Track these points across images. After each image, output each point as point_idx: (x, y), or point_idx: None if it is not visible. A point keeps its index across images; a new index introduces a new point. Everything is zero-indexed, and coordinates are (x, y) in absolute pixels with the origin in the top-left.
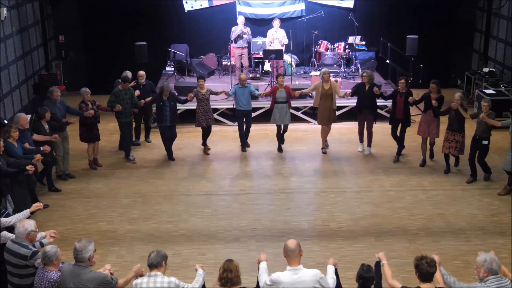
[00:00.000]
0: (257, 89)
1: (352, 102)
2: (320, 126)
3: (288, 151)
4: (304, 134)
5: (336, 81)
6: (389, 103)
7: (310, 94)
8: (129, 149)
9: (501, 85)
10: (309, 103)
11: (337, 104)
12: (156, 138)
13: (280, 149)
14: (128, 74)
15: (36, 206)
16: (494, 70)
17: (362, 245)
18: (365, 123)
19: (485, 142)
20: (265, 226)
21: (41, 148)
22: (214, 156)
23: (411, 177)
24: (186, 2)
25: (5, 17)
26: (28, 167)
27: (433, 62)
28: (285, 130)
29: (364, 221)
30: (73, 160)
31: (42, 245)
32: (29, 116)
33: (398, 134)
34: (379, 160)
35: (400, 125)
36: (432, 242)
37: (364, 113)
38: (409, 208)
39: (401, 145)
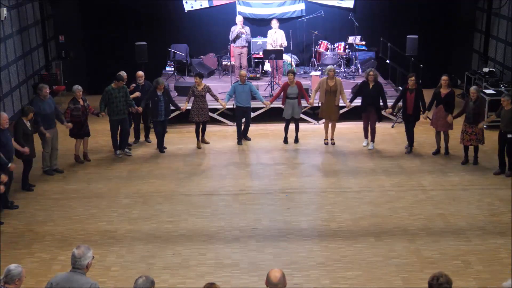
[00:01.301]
0: (257, 89)
1: (357, 102)
2: (319, 122)
3: (288, 151)
4: (304, 134)
5: None
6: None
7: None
8: (116, 146)
9: (501, 85)
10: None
11: (340, 104)
12: (154, 137)
13: (285, 141)
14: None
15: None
16: (494, 70)
17: (362, 245)
18: (369, 120)
19: (510, 136)
20: (265, 226)
21: (9, 165)
22: (214, 156)
23: (411, 177)
24: (186, 2)
25: (5, 17)
26: (2, 177)
27: (433, 62)
28: (296, 125)
29: (364, 221)
30: (72, 157)
31: None
32: None
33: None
34: (379, 160)
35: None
36: (432, 242)
37: (368, 110)
38: (409, 208)
39: (411, 139)
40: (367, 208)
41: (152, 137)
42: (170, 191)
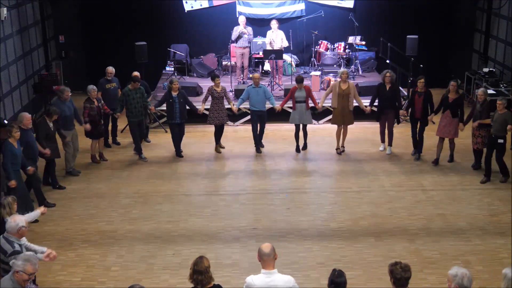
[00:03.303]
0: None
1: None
2: (319, 122)
3: (288, 151)
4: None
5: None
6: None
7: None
8: (139, 148)
9: (501, 85)
10: (309, 103)
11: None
12: (155, 138)
13: (298, 150)
14: (111, 69)
15: (43, 210)
16: (494, 70)
17: (362, 245)
18: (386, 123)
19: (501, 141)
20: (265, 226)
21: (28, 168)
22: (214, 156)
23: (411, 177)
24: (186, 2)
25: (5, 17)
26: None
27: (433, 62)
28: (305, 132)
29: (364, 221)
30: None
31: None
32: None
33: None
34: (380, 160)
35: (418, 124)
36: (432, 242)
37: (385, 113)
38: (409, 208)
39: (420, 145)
40: (367, 208)
41: (152, 137)
42: (170, 191)
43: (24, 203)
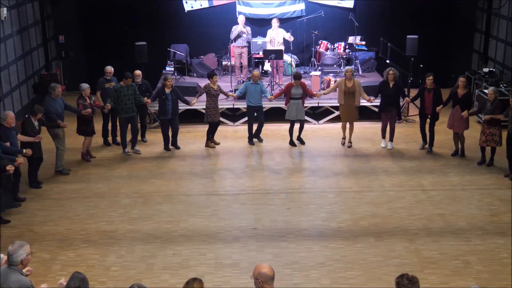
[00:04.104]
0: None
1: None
2: (319, 122)
3: (288, 151)
4: (304, 134)
5: (335, 81)
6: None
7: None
8: (125, 144)
9: (501, 85)
10: (310, 103)
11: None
12: (155, 137)
13: (293, 144)
14: (110, 69)
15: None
16: (494, 70)
17: (362, 245)
18: (388, 120)
19: None
20: (265, 226)
21: (24, 150)
22: (214, 156)
23: (411, 177)
24: (186, 2)
25: (5, 17)
26: (8, 167)
27: (433, 62)
28: (301, 126)
29: (364, 221)
30: (72, 157)
31: None
32: None
33: (428, 129)
34: (379, 160)
35: (429, 120)
36: (432, 242)
37: (387, 110)
38: (409, 208)
39: (432, 139)
40: (367, 208)
41: (151, 137)
42: (170, 191)
43: (7, 202)
